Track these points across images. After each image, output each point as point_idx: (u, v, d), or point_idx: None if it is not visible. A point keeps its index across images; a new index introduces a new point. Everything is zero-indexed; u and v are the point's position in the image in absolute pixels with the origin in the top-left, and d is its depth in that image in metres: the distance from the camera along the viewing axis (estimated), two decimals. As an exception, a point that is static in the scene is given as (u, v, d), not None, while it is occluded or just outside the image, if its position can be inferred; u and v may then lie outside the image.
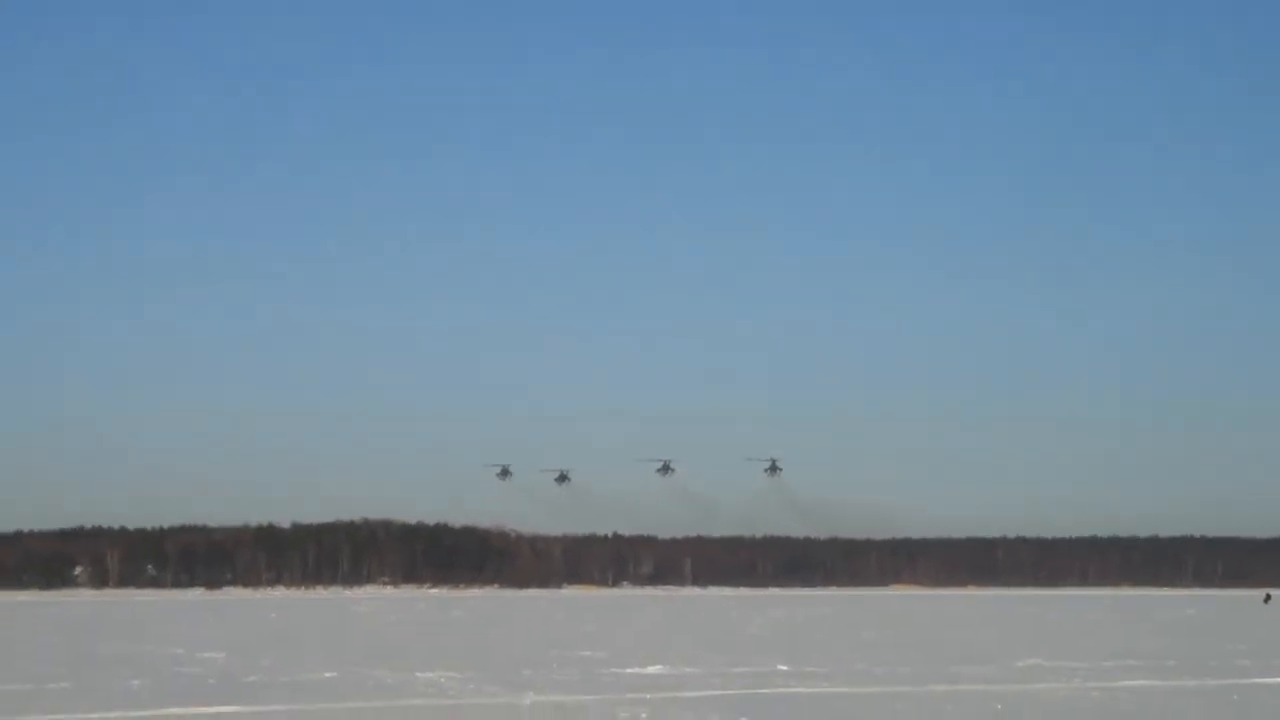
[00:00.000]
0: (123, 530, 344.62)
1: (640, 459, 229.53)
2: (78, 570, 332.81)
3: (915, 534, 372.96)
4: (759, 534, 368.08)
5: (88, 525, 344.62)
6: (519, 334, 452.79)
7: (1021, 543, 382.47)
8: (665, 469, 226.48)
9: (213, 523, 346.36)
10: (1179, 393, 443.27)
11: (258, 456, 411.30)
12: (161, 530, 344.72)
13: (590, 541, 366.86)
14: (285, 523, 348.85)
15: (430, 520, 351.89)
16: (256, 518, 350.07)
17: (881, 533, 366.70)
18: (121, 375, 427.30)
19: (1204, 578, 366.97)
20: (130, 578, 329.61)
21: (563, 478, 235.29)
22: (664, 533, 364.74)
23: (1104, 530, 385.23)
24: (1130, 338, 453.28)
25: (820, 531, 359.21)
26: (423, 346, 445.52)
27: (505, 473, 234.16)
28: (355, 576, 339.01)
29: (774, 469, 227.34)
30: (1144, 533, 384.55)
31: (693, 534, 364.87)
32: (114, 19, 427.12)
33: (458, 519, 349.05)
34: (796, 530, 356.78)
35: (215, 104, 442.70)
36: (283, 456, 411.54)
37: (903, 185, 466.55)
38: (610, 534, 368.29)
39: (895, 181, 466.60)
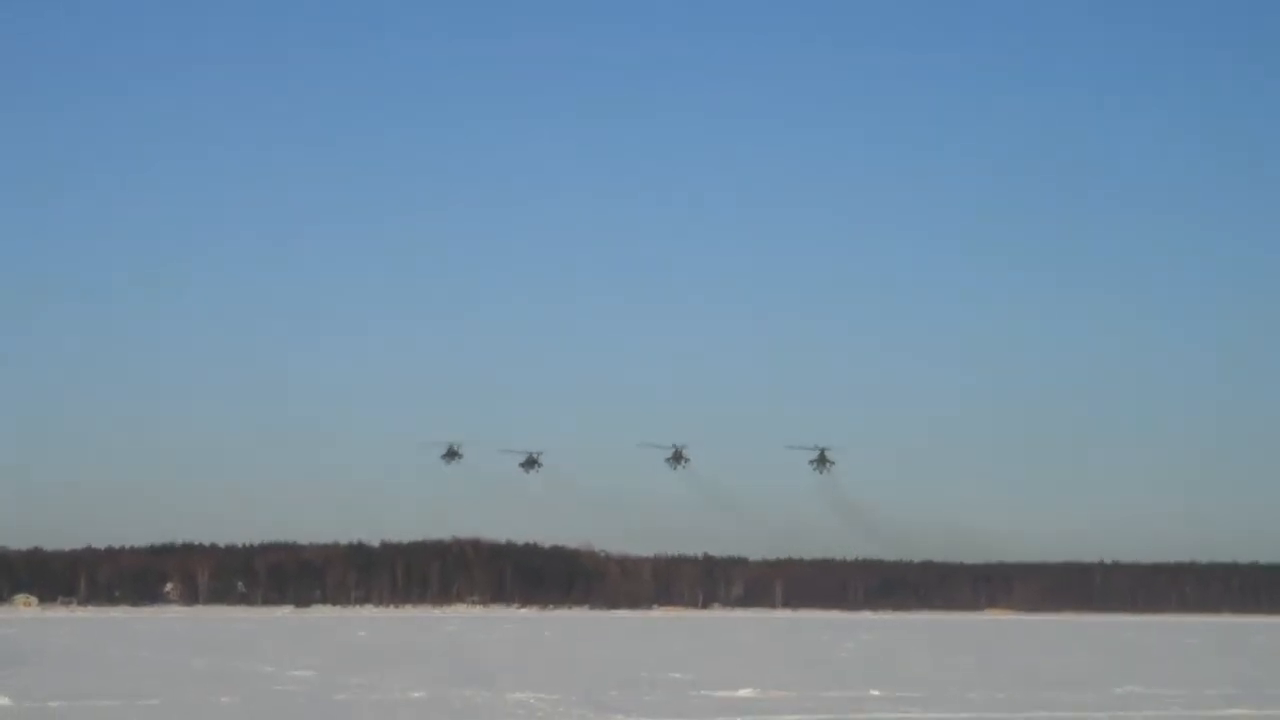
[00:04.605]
0: (214, 547, 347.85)
1: (644, 444, 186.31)
2: (168, 587, 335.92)
3: (1010, 558, 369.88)
4: (850, 556, 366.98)
5: (179, 541, 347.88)
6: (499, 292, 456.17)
7: (1118, 568, 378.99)
8: (677, 458, 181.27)
9: (303, 540, 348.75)
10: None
11: (347, 474, 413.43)
12: (252, 547, 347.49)
13: (680, 562, 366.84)
14: (375, 541, 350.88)
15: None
16: (346, 536, 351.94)
17: (974, 557, 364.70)
18: (211, 394, 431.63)
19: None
20: (220, 595, 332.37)
21: (531, 462, 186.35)
22: (698, 548, 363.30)
23: (1204, 555, 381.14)
24: (1235, 359, 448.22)
25: (903, 554, 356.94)
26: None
27: (452, 454, 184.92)
28: (444, 595, 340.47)
29: (823, 461, 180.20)
30: (1244, 558, 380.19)
31: (784, 555, 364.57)
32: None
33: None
34: (862, 548, 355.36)
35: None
36: (371, 475, 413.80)
37: (1007, 191, 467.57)
38: (701, 554, 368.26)
39: (997, 184, 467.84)
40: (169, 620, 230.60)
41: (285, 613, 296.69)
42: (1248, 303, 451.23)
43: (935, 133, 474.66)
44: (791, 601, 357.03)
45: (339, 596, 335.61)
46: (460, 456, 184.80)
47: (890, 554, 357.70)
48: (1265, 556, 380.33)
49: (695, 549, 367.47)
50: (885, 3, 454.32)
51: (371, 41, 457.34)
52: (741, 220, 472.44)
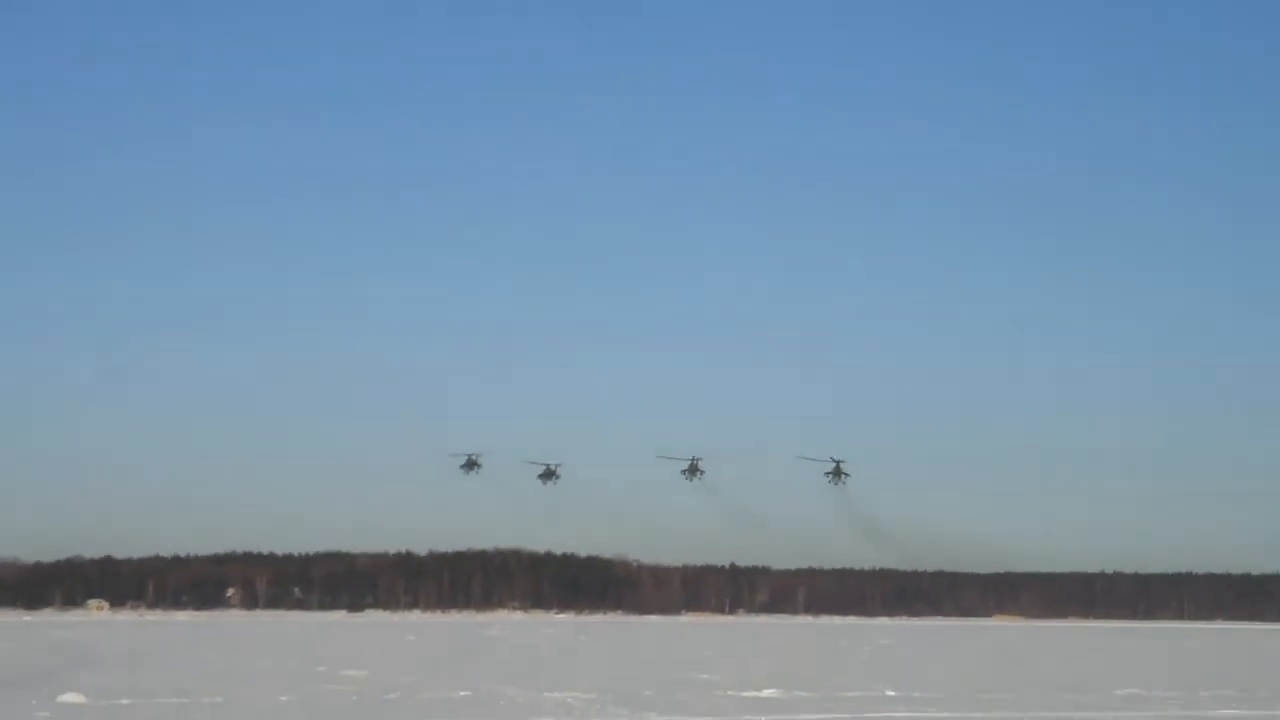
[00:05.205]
0: (272, 556, 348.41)
1: (662, 456, 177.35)
2: (230, 592, 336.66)
3: (1017, 568, 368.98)
4: (867, 566, 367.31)
5: (239, 551, 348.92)
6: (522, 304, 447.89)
7: (1120, 577, 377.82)
8: (693, 470, 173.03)
9: (355, 550, 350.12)
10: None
11: (398, 487, 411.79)
12: (308, 556, 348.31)
13: (708, 571, 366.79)
14: (423, 551, 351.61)
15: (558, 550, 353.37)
16: (396, 546, 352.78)
17: (984, 566, 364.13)
18: (276, 411, 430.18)
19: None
20: (278, 600, 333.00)
21: (549, 474, 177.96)
22: (724, 559, 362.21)
23: (1201, 566, 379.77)
24: (1235, 372, 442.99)
25: (917, 563, 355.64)
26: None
27: (471, 464, 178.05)
28: (486, 602, 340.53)
29: (838, 474, 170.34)
30: (1238, 569, 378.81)
31: (805, 565, 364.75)
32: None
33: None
34: (878, 558, 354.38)
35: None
36: (419, 487, 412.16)
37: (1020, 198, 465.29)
38: (728, 564, 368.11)
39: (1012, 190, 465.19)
40: (230, 624, 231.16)
41: (339, 617, 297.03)
42: (1251, 312, 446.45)
43: (940, 137, 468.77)
44: (813, 608, 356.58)
45: (389, 602, 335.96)
46: (479, 467, 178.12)
47: (905, 564, 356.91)
48: (1258, 568, 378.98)
49: (722, 559, 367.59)
50: (886, 3, 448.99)
51: (370, 45, 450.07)
52: (754, 230, 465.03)
